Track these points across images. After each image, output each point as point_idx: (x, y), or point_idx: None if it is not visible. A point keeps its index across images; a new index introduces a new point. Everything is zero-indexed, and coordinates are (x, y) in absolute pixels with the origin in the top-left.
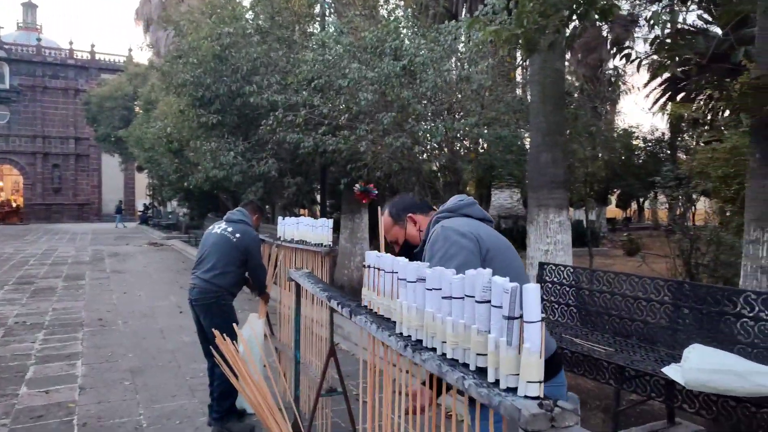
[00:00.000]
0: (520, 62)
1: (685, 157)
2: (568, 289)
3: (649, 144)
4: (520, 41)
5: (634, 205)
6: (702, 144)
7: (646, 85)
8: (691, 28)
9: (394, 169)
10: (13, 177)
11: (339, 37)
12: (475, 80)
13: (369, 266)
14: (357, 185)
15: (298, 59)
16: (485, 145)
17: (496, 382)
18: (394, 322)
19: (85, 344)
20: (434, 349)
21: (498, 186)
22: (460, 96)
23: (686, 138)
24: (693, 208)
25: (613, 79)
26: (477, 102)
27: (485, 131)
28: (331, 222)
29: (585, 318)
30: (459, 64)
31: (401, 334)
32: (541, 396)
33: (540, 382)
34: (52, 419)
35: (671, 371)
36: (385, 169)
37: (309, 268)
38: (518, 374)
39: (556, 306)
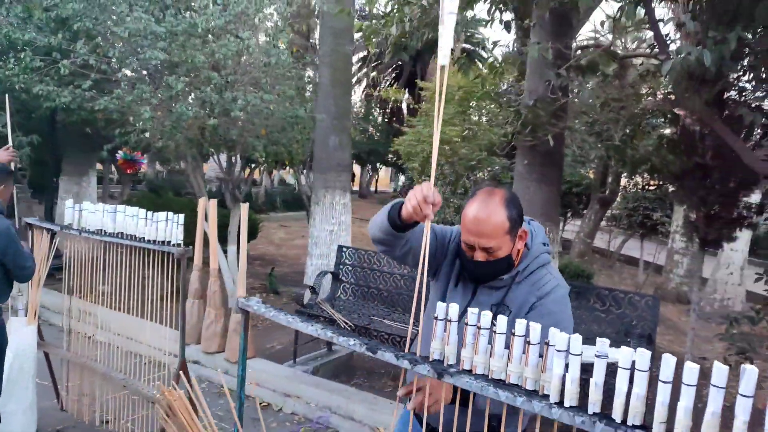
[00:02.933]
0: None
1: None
2: (360, 270)
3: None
4: None
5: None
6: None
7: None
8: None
9: (178, 140)
10: None
11: None
12: (273, 54)
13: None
14: (121, 152)
15: None
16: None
17: None
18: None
19: None
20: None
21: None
22: (258, 71)
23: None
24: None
25: None
26: (272, 77)
27: (280, 109)
28: (182, 217)
29: (378, 297)
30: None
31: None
32: None
33: None
34: None
35: None
36: (166, 139)
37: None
38: None
39: (356, 288)
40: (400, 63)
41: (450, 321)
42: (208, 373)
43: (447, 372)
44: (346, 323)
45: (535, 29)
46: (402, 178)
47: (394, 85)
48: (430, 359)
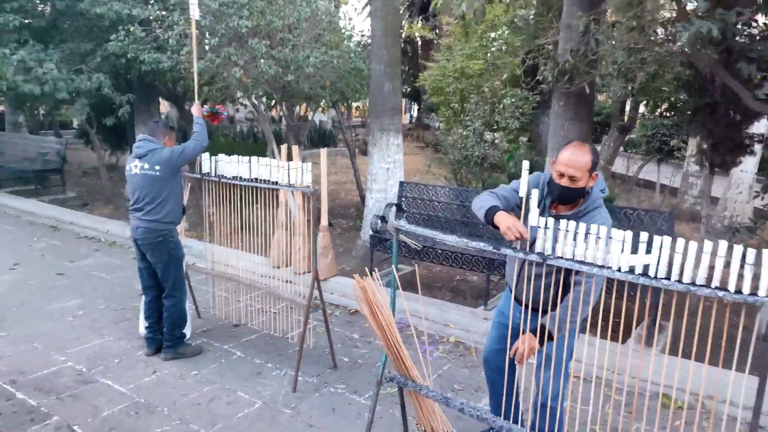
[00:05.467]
0: None
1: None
2: (420, 202)
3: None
4: None
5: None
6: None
7: None
8: None
9: (258, 94)
10: None
11: None
12: (332, 13)
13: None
14: (206, 106)
15: None
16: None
17: None
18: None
19: None
20: None
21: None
22: (321, 29)
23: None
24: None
25: None
26: (334, 34)
27: (343, 62)
28: (309, 165)
29: (437, 223)
30: None
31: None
32: None
33: None
34: None
35: None
36: (249, 94)
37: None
38: None
39: (418, 216)
40: None
41: (549, 228)
42: (299, 289)
43: (550, 258)
44: (415, 244)
45: None
46: (414, 107)
47: (407, 16)
48: (535, 252)
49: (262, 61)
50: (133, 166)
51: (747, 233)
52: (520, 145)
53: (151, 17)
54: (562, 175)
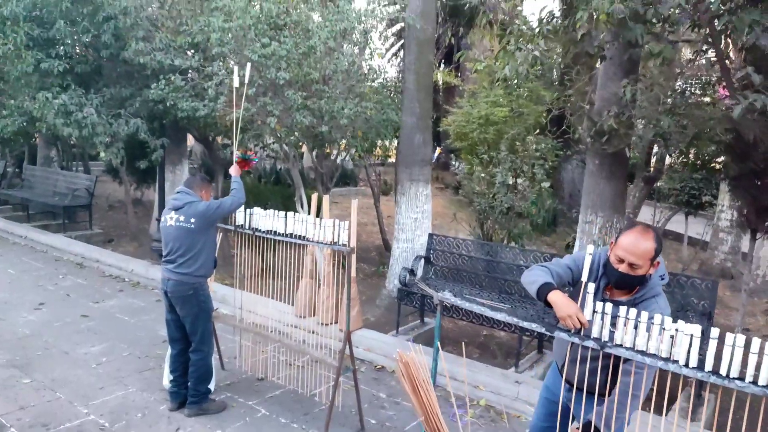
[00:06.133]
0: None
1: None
2: (449, 255)
3: None
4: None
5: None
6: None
7: None
8: None
9: (290, 143)
10: None
11: (247, 5)
12: (366, 66)
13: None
14: (238, 152)
15: (192, 18)
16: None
17: None
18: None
19: None
20: None
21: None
22: (353, 80)
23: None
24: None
25: None
26: (365, 85)
27: (376, 114)
28: (347, 223)
29: (465, 277)
30: (350, 47)
31: None
32: None
33: None
34: None
35: None
36: (281, 142)
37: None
38: None
39: (446, 270)
40: (437, 36)
41: (607, 314)
42: (325, 340)
43: (608, 346)
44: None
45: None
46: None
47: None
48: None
49: (297, 112)
50: (169, 218)
51: None
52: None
53: (192, 67)
54: (621, 261)
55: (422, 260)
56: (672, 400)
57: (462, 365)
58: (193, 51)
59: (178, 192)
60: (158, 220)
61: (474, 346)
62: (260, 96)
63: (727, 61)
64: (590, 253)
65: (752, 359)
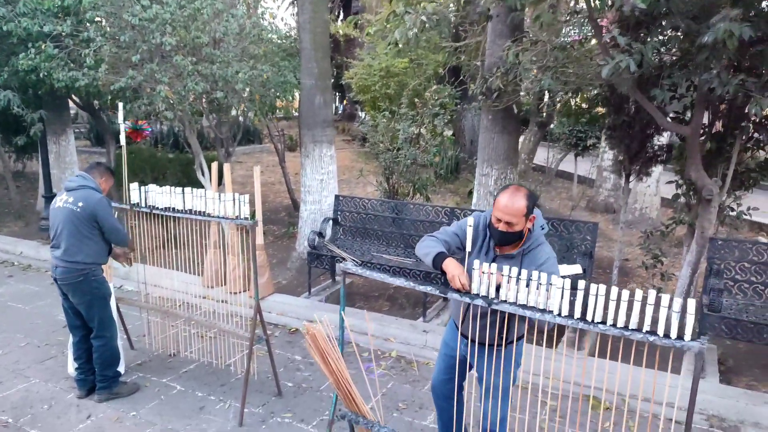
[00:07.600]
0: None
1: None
2: (356, 215)
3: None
4: None
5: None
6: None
7: None
8: None
9: (184, 110)
10: None
11: None
12: (261, 26)
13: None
14: (128, 122)
15: None
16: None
17: None
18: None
19: None
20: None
21: None
22: (246, 42)
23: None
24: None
25: None
26: (260, 47)
27: (273, 77)
28: (246, 197)
29: (373, 236)
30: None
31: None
32: None
33: None
34: None
35: None
36: (173, 110)
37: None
38: None
39: (354, 229)
40: None
41: (491, 273)
42: (236, 309)
43: (494, 302)
44: (353, 259)
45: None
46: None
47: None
48: (480, 295)
49: (188, 78)
50: (59, 199)
51: (660, 235)
52: (445, 140)
53: (63, 33)
54: (499, 221)
55: (330, 222)
56: (561, 333)
57: (373, 320)
58: (64, 15)
59: (76, 175)
60: (45, 197)
61: (384, 299)
62: (146, 62)
63: (599, 20)
64: (470, 225)
65: (612, 306)
